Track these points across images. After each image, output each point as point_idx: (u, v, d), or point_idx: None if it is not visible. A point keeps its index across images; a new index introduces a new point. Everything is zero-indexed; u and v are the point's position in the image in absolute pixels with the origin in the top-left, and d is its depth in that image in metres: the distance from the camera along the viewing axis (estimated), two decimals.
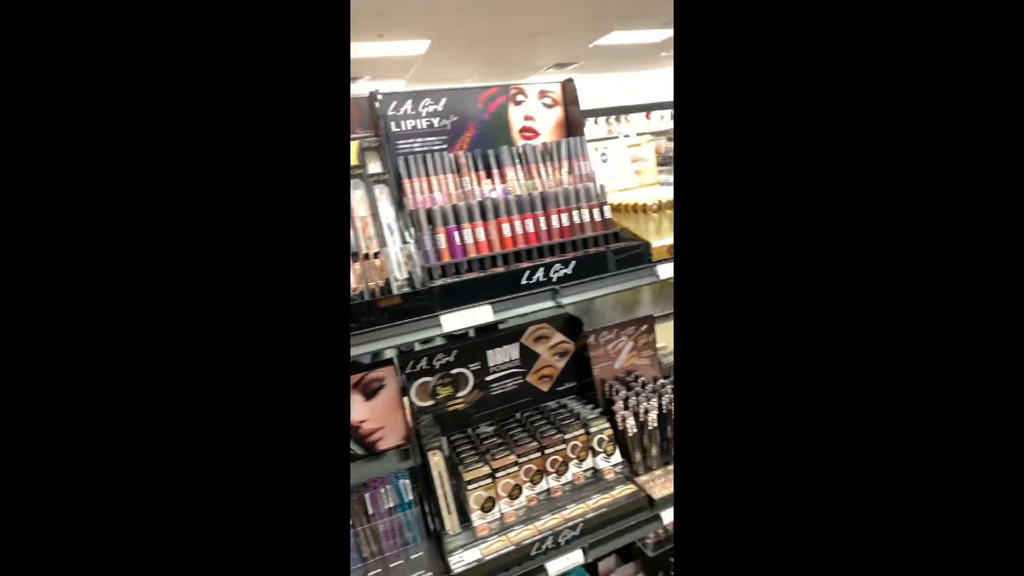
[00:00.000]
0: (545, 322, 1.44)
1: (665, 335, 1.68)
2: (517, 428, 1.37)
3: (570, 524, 1.18)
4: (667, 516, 1.25)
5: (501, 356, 1.40)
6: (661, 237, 1.12)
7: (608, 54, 7.68)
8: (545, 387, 1.48)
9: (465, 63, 7.28)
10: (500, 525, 1.20)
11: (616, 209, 1.19)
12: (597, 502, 1.25)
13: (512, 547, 1.13)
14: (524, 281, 0.99)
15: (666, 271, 1.09)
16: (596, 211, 1.16)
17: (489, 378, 1.40)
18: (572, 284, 1.02)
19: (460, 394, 1.38)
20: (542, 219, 1.11)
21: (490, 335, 1.42)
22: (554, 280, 1.01)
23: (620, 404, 1.40)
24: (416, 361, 1.30)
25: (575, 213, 1.14)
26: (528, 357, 1.44)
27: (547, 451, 1.26)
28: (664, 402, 1.37)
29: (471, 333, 1.48)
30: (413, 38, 5.58)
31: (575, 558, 1.17)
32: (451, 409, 1.37)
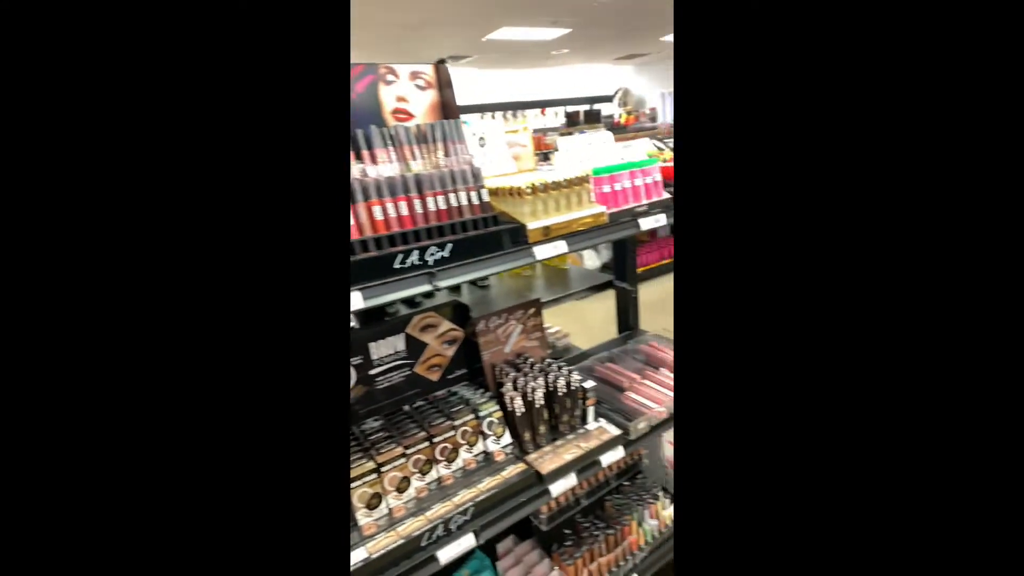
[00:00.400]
0: (432, 311, 1.42)
1: (551, 319, 1.74)
2: (405, 420, 1.33)
3: (460, 509, 1.18)
4: (555, 489, 1.30)
5: (385, 348, 1.35)
6: (536, 219, 1.15)
7: (501, 49, 7.78)
8: (435, 376, 1.46)
9: (352, 51, 6.92)
10: (388, 520, 1.16)
11: (493, 193, 1.20)
12: (488, 484, 1.26)
13: (401, 541, 1.10)
14: (397, 265, 0.96)
15: (542, 252, 1.12)
16: (473, 194, 1.16)
17: (373, 372, 1.34)
18: (449, 267, 1.01)
19: None
20: (417, 201, 1.08)
21: (372, 327, 1.36)
22: (430, 263, 0.99)
23: (509, 385, 1.43)
24: None
25: (451, 196, 1.12)
26: (415, 348, 1.41)
27: (436, 440, 1.24)
28: (550, 380, 1.42)
29: (356, 325, 1.42)
30: None
31: (467, 542, 1.17)
32: None
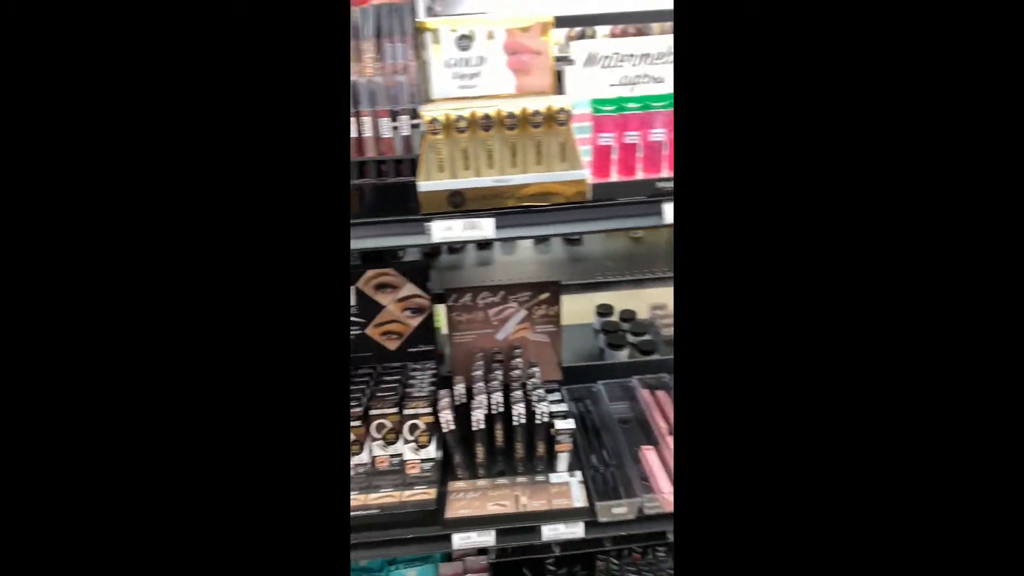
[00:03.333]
0: (391, 268, 1.13)
1: (569, 306, 1.26)
2: None
3: None
4: (460, 540, 0.98)
5: None
6: (442, 175, 0.72)
7: None
8: (392, 345, 1.21)
9: None
10: None
11: (435, 128, 0.79)
12: (378, 497, 1.01)
13: None
14: None
15: (444, 231, 0.71)
16: (385, 122, 0.78)
17: None
18: None
19: None
20: None
21: None
22: None
23: (460, 388, 1.10)
24: None
25: (355, 121, 0.77)
26: (368, 307, 1.16)
27: None
28: (514, 397, 1.03)
29: None
30: None
31: None
32: None
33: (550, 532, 0.98)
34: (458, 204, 0.70)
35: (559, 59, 0.87)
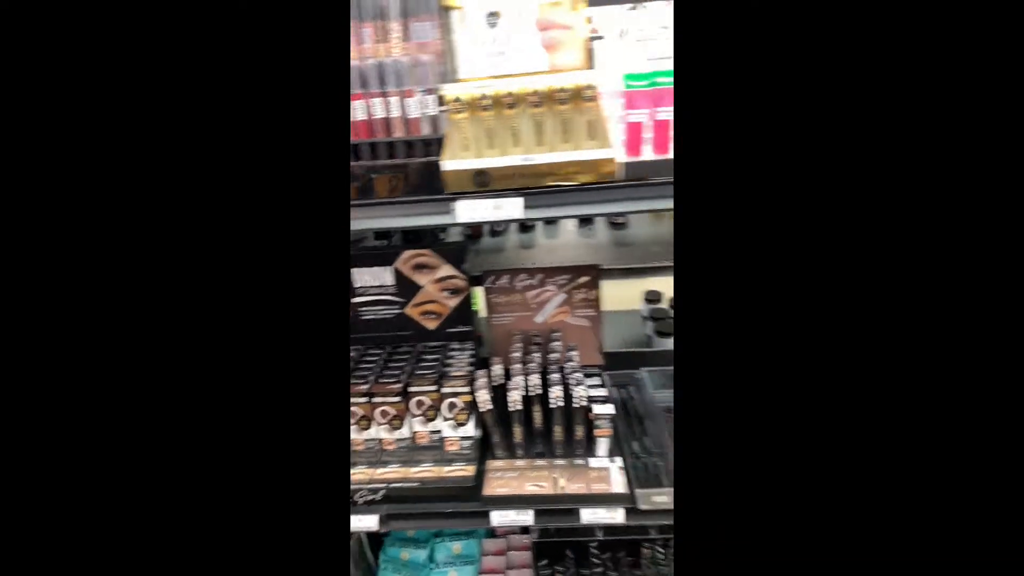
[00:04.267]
0: (428, 249, 1.14)
1: (616, 291, 1.21)
2: (372, 363, 1.17)
3: (372, 487, 1.02)
4: (498, 518, 0.99)
5: (370, 277, 1.17)
6: (466, 155, 0.70)
7: None
8: (431, 324, 1.23)
9: None
10: None
11: (458, 106, 0.77)
12: (421, 471, 1.04)
13: None
14: None
15: (469, 211, 0.70)
16: (412, 102, 0.77)
17: (356, 300, 1.20)
18: None
19: None
20: None
21: (356, 251, 1.19)
22: None
23: (498, 369, 1.10)
24: None
25: (376, 102, 0.78)
26: (407, 287, 1.18)
27: (375, 399, 1.06)
28: (551, 380, 1.01)
29: None
30: None
31: (368, 522, 1.02)
32: None
33: (589, 515, 0.97)
34: (484, 184, 0.69)
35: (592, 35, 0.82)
